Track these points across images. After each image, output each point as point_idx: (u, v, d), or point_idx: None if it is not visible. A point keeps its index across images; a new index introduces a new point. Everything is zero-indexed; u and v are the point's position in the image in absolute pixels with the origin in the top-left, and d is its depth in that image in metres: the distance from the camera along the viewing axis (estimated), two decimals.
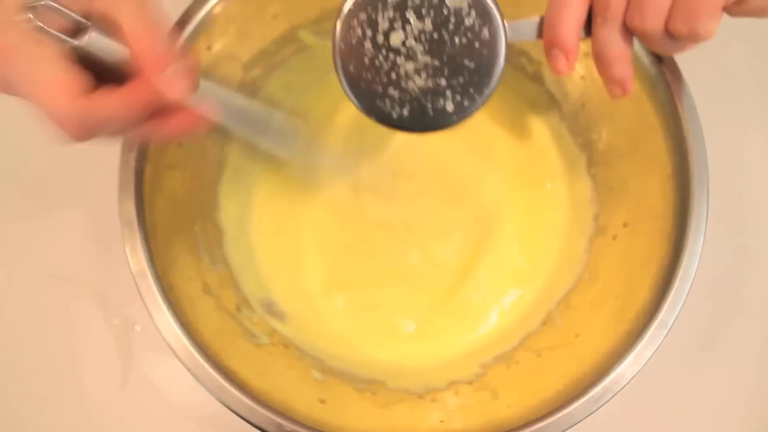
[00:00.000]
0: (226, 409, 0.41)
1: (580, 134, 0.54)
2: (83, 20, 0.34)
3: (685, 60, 0.46)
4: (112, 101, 0.35)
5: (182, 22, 0.47)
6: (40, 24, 0.33)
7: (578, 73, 0.52)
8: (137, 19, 0.35)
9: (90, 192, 0.57)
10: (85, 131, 0.35)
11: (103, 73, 0.36)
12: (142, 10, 0.35)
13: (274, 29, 0.52)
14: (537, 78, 0.55)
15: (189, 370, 0.41)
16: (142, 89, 0.36)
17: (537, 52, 0.54)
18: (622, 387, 0.42)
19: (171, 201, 0.48)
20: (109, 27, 0.35)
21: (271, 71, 0.54)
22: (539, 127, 0.56)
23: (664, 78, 0.46)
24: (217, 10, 0.47)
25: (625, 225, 0.50)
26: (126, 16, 0.35)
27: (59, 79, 0.33)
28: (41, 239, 0.57)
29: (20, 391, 0.54)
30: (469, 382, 0.49)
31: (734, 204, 0.57)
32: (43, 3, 0.33)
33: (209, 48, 0.48)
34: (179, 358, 0.42)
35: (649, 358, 0.42)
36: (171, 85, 0.36)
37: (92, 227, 0.57)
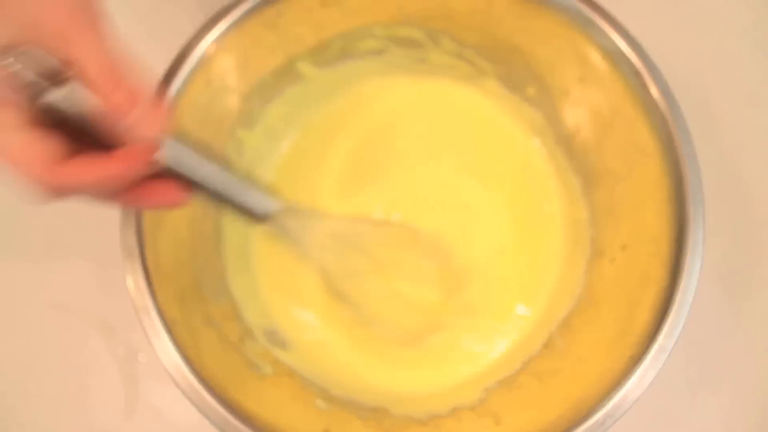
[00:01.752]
0: None
1: (576, 157, 0.55)
2: (56, 71, 0.32)
3: (681, 82, 0.47)
4: (85, 173, 0.33)
5: (181, 57, 0.47)
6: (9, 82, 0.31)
7: (575, 98, 0.53)
8: (102, 61, 0.32)
9: (93, 222, 0.57)
10: (56, 197, 0.33)
11: (74, 124, 0.33)
12: (105, 51, 0.32)
13: (271, 61, 0.52)
14: (534, 101, 0.56)
15: (193, 403, 0.42)
16: (119, 162, 0.33)
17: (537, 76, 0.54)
18: (624, 412, 0.42)
19: (173, 232, 0.48)
20: (71, 72, 0.32)
21: (269, 102, 0.54)
22: (535, 150, 0.57)
23: (658, 102, 0.46)
24: (215, 44, 0.48)
25: (623, 248, 0.50)
26: (89, 59, 0.32)
27: (27, 151, 0.31)
28: (44, 270, 0.57)
29: (25, 422, 0.54)
30: (472, 408, 0.49)
31: (733, 224, 0.57)
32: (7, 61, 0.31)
33: (208, 82, 0.49)
34: (183, 392, 0.42)
35: (650, 383, 0.42)
36: (143, 123, 0.33)
37: (95, 257, 0.57)
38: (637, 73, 0.47)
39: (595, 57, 0.49)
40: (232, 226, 0.53)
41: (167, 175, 0.37)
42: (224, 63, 0.49)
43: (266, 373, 0.49)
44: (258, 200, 0.43)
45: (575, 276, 0.53)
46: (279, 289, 0.55)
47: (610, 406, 0.42)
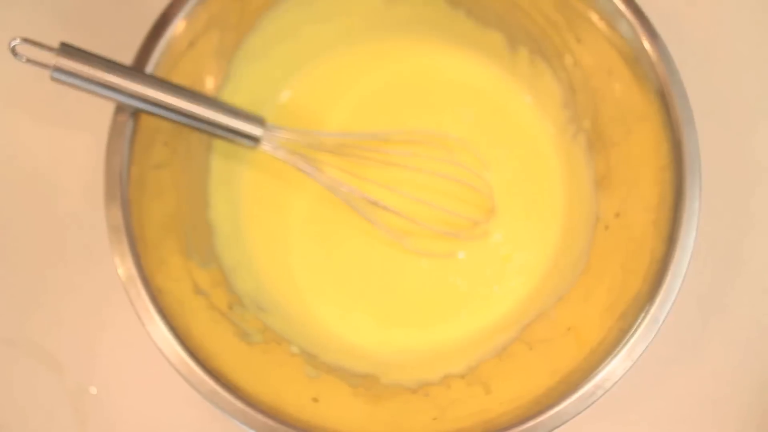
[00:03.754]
0: None
1: (573, 120, 0.53)
2: None
3: (680, 44, 0.45)
4: None
5: (164, 19, 0.46)
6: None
7: (570, 60, 0.51)
8: None
9: (36, 252, 0.55)
10: None
11: None
12: None
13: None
14: (532, 63, 0.54)
15: (181, 375, 0.42)
16: None
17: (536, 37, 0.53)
18: (614, 384, 0.42)
19: (159, 202, 0.47)
20: None
21: (257, 60, 0.53)
22: (531, 112, 0.56)
23: (655, 65, 0.45)
24: (199, 5, 0.46)
25: (617, 215, 0.49)
26: None
27: None
28: None
29: None
30: (462, 376, 0.49)
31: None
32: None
33: (192, 44, 0.47)
34: (171, 364, 0.42)
35: (640, 355, 0.42)
36: None
37: (41, 287, 0.54)
38: (634, 35, 0.45)
39: (592, 17, 0.47)
40: (220, 192, 0.53)
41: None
42: (208, 25, 0.47)
43: (255, 341, 0.49)
44: (245, 124, 0.48)
45: (574, 244, 0.53)
46: (269, 257, 0.54)
47: (599, 377, 0.42)
